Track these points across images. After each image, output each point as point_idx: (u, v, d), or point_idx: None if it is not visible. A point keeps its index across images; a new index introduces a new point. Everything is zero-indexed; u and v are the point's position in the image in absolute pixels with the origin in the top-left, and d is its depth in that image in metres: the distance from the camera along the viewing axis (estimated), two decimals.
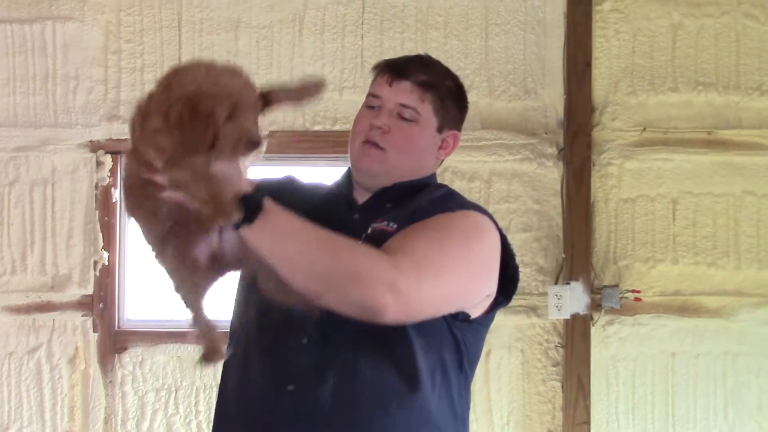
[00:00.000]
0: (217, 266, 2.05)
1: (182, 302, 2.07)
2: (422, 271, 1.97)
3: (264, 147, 1.88)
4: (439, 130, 2.27)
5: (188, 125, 1.81)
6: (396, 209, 2.20)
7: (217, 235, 2.01)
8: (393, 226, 2.12)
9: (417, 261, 1.97)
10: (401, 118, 2.21)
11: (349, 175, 2.33)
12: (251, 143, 1.85)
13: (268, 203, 1.89)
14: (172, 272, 2.04)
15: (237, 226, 1.87)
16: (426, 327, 2.07)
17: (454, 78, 2.32)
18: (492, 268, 2.16)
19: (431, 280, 1.99)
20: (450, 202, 2.21)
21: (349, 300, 1.93)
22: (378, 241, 2.08)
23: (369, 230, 2.13)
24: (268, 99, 1.94)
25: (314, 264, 1.91)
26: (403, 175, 2.25)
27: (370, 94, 2.27)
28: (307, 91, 1.99)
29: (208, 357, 2.08)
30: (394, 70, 2.24)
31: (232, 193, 1.84)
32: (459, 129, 2.35)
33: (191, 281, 2.04)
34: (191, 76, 1.87)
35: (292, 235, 1.91)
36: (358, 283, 1.91)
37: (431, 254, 2.01)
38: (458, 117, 2.34)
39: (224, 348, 2.13)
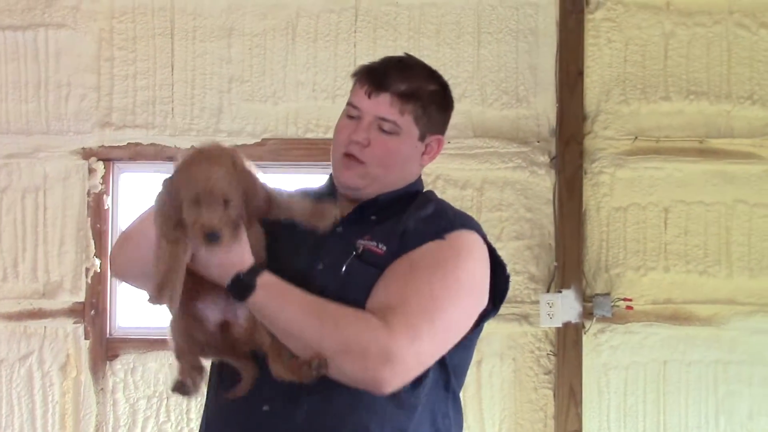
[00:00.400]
0: (225, 337, 2.06)
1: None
2: (416, 326, 1.95)
3: (224, 241, 1.91)
4: (422, 138, 2.21)
5: (165, 203, 1.94)
6: (381, 223, 2.16)
7: (232, 309, 2.05)
8: (382, 248, 2.09)
9: (408, 316, 1.96)
10: (381, 130, 2.16)
11: (332, 183, 2.28)
12: (206, 234, 1.88)
13: (261, 280, 1.95)
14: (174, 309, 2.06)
15: (239, 299, 1.97)
16: None
17: (437, 79, 2.25)
18: (483, 288, 2.13)
19: (426, 334, 1.97)
20: (438, 223, 2.14)
21: (344, 374, 1.95)
22: (367, 262, 2.07)
23: (359, 249, 2.10)
24: (277, 204, 2.03)
25: (306, 337, 1.94)
26: (385, 186, 2.21)
27: (350, 104, 2.21)
28: (316, 214, 2.04)
29: (178, 388, 2.06)
30: (373, 81, 2.17)
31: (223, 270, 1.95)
32: (443, 132, 2.28)
33: (192, 335, 2.06)
34: (185, 158, 1.97)
35: (284, 311, 1.95)
36: (351, 359, 1.92)
37: (423, 303, 1.98)
38: (442, 120, 2.27)
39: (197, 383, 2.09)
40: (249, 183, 1.98)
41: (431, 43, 4.48)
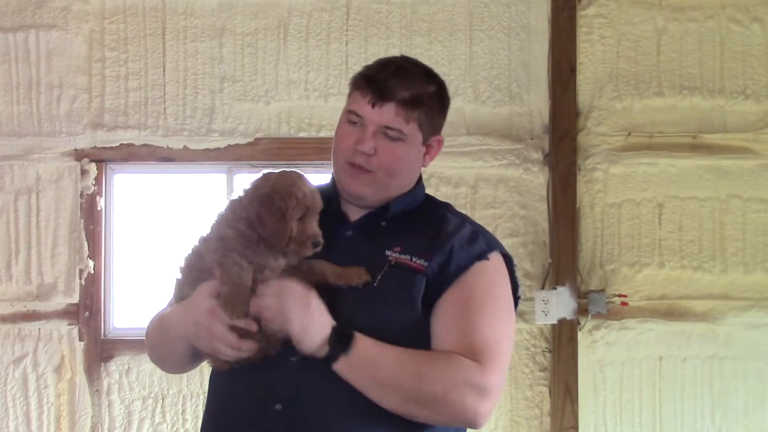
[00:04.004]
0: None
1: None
2: (498, 360, 2.06)
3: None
4: (425, 141, 2.22)
5: (267, 221, 2.05)
6: (399, 231, 2.18)
7: None
8: (420, 262, 2.12)
9: (491, 351, 2.05)
10: (386, 137, 2.16)
11: (335, 185, 2.27)
12: (315, 245, 2.06)
13: (356, 334, 2.01)
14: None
15: (333, 358, 1.99)
16: None
17: (434, 78, 2.25)
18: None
19: (504, 364, 2.09)
20: (479, 244, 2.19)
21: (442, 415, 2.03)
22: (403, 273, 2.10)
23: (392, 262, 2.12)
24: (314, 272, 2.11)
25: (405, 387, 2.00)
26: (391, 192, 2.22)
27: (352, 111, 2.19)
28: (346, 277, 2.10)
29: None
30: (376, 90, 2.15)
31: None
32: (441, 130, 2.29)
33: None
34: (269, 177, 2.12)
35: (379, 362, 2.00)
36: (453, 401, 2.00)
37: (496, 335, 2.07)
38: (442, 120, 2.29)
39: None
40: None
41: (423, 41, 4.47)
